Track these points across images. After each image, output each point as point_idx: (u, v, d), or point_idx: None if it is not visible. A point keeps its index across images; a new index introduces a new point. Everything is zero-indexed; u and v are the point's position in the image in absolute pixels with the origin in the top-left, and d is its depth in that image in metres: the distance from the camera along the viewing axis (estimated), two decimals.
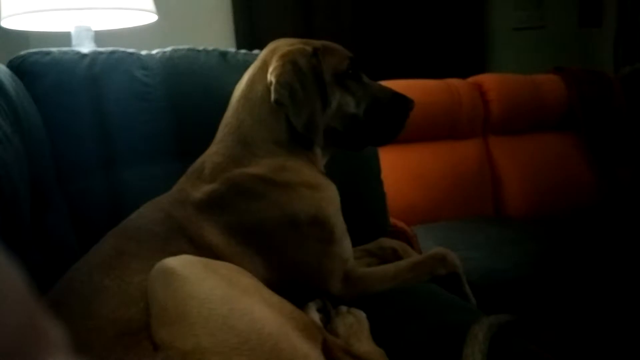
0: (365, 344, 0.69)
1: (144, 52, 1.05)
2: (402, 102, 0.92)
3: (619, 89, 2.27)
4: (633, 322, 1.29)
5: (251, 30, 2.21)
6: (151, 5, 1.43)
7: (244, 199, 0.79)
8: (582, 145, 2.10)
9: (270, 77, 0.84)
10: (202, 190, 0.79)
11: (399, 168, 1.75)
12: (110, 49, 1.02)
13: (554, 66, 2.25)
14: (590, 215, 1.83)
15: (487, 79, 2.04)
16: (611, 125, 2.13)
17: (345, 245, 0.84)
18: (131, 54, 1.03)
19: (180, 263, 0.58)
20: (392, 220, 1.19)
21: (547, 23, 3.96)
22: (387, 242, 1.00)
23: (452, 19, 2.57)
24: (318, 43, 0.91)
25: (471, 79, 2.05)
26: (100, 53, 1.00)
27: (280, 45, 0.91)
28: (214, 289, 0.55)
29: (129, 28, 1.54)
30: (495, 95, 1.99)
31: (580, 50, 4.18)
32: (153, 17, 1.47)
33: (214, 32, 2.26)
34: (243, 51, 1.15)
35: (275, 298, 0.61)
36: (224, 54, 1.10)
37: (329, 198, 0.85)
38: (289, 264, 0.78)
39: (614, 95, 2.19)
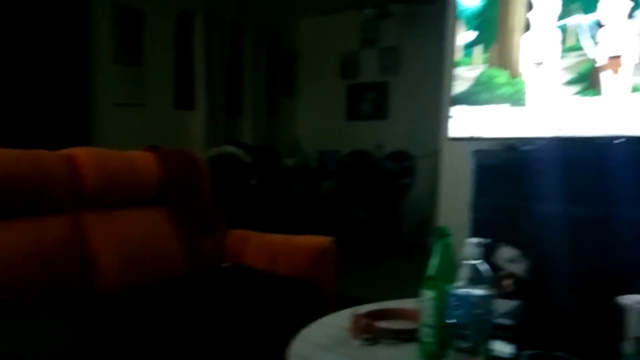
0: None
1: None
2: None
3: (205, 168, 2.56)
4: None
5: None
6: None
7: None
8: (173, 219, 2.25)
9: None
10: None
11: None
12: None
13: (148, 145, 2.37)
14: (179, 286, 1.96)
15: (82, 152, 1.98)
16: (198, 201, 2.37)
17: None
18: None
19: None
20: None
21: (147, 102, 4.22)
22: None
23: (55, 95, 2.43)
24: None
25: (64, 151, 1.94)
26: None
27: None
28: None
29: None
30: (90, 169, 1.94)
31: (177, 130, 4.59)
32: None
33: None
34: None
35: None
36: None
37: None
38: None
39: (201, 174, 2.45)
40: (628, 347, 0.87)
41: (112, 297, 1.79)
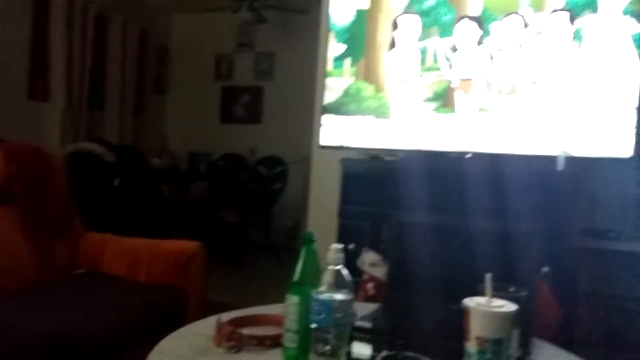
0: None
1: None
2: None
3: (60, 165, 2.35)
4: None
5: None
6: None
7: None
8: (20, 220, 2.03)
9: None
10: None
11: None
12: None
13: None
14: (27, 297, 1.77)
15: None
16: (49, 201, 2.17)
17: None
18: None
19: None
20: None
21: None
22: None
23: None
24: None
25: None
26: None
27: None
28: None
29: None
30: None
31: (29, 122, 4.16)
32: None
33: None
34: None
35: None
36: None
37: None
38: None
39: (53, 171, 2.24)
40: (470, 346, 0.95)
41: None
